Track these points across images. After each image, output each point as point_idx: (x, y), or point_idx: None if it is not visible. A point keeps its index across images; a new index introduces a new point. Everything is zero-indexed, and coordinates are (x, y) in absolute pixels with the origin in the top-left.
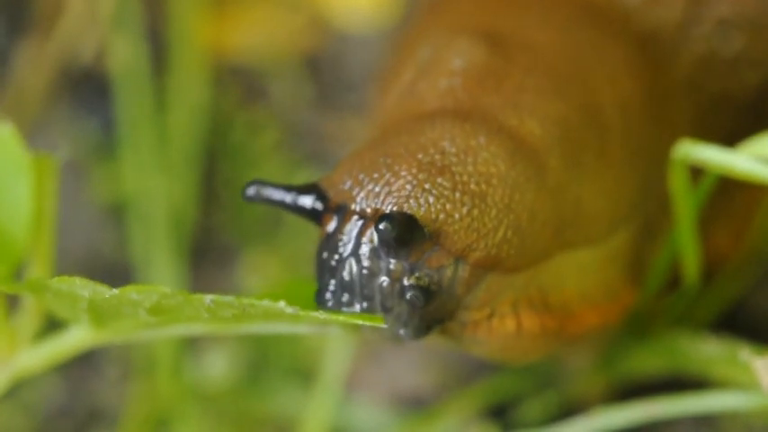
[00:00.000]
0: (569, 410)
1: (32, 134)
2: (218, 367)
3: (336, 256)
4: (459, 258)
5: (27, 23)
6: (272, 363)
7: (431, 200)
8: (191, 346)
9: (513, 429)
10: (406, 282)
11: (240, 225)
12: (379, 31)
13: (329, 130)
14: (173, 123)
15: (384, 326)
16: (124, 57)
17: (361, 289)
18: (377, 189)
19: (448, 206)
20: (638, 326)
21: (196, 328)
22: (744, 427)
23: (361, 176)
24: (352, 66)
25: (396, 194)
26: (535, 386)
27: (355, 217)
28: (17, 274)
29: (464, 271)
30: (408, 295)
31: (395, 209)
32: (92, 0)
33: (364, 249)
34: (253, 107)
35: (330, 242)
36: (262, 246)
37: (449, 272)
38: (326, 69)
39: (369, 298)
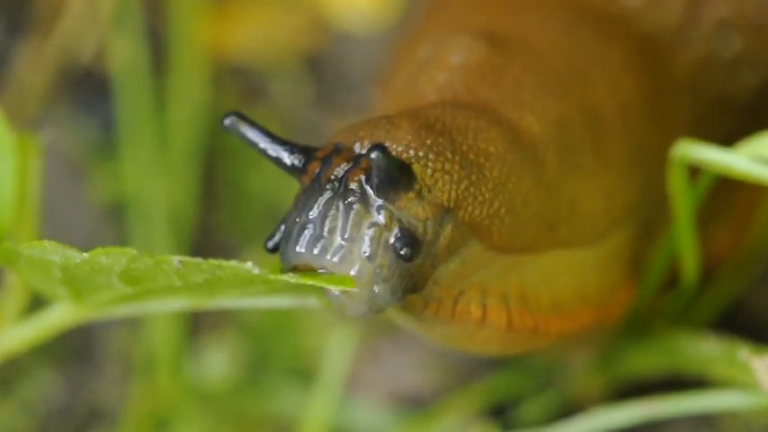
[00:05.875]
0: (569, 410)
1: (32, 134)
2: (218, 367)
3: (320, 200)
4: (448, 213)
5: (27, 23)
6: (272, 363)
7: (430, 156)
8: (191, 345)
9: (513, 429)
10: (395, 230)
11: (240, 224)
12: (379, 31)
13: (329, 130)
14: (173, 123)
15: (356, 289)
16: (124, 57)
17: (343, 230)
18: (377, 132)
19: (446, 165)
20: (638, 325)
21: (176, 303)
22: (744, 426)
23: (361, 124)
24: (353, 65)
25: (397, 140)
26: (535, 386)
27: (349, 156)
28: None
29: (446, 234)
30: (396, 243)
31: (393, 154)
32: (92, 0)
33: (354, 194)
34: (253, 107)
35: (314, 186)
36: (261, 245)
37: (434, 226)
38: (327, 69)
39: (352, 239)
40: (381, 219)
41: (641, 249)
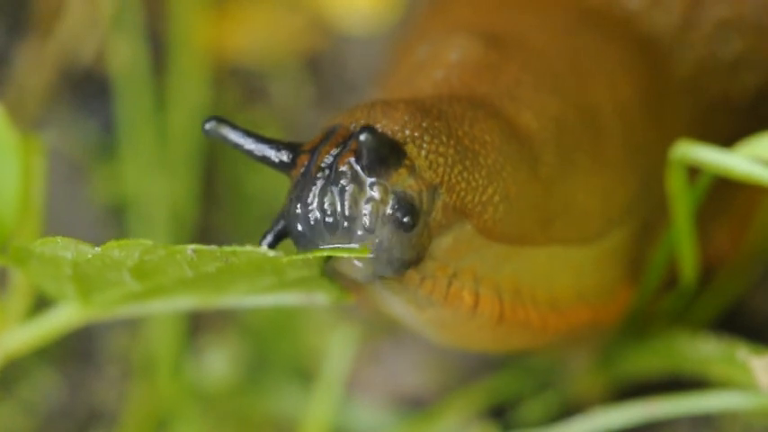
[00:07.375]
0: (569, 410)
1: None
2: (218, 367)
3: (312, 193)
4: (439, 190)
5: (27, 23)
6: (272, 363)
7: (425, 137)
8: (191, 345)
9: (513, 429)
10: (390, 202)
11: (240, 225)
12: (379, 31)
13: None
14: (173, 123)
15: (360, 264)
16: (124, 57)
17: (343, 210)
18: (374, 113)
19: (441, 148)
20: (637, 325)
21: (184, 302)
22: (744, 427)
23: (357, 106)
24: (353, 66)
25: (393, 120)
26: (535, 386)
27: (339, 140)
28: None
29: (438, 207)
30: (396, 214)
31: (388, 133)
32: (92, 0)
33: (345, 176)
34: (253, 107)
35: (305, 177)
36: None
37: (428, 197)
38: (327, 70)
39: (352, 219)
40: (376, 194)
41: (640, 249)
